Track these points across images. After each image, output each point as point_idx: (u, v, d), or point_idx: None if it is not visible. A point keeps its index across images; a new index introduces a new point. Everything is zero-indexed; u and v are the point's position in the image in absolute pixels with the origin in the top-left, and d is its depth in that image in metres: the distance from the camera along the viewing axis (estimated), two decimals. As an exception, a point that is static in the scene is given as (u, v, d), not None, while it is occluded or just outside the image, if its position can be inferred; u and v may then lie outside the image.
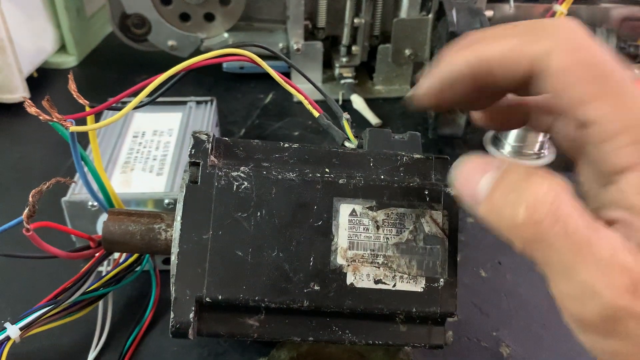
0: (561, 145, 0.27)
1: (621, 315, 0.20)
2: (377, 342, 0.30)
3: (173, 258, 0.28)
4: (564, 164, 0.51)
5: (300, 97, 0.35)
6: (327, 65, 0.67)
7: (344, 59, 0.65)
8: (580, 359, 0.37)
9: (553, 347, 0.37)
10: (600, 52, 0.21)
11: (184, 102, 0.50)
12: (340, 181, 0.30)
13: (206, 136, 0.29)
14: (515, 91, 0.25)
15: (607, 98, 0.21)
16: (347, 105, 0.62)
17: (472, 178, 0.23)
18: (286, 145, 0.31)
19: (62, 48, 0.70)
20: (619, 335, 0.20)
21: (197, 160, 0.29)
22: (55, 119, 0.30)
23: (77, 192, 0.40)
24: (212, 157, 0.29)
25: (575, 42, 0.21)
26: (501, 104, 0.28)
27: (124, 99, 0.32)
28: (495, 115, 0.29)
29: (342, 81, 0.64)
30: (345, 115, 0.35)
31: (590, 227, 0.20)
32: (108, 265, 0.40)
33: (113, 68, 0.70)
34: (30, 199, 0.29)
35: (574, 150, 0.25)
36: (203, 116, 0.49)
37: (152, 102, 0.34)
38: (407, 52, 0.61)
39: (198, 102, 0.51)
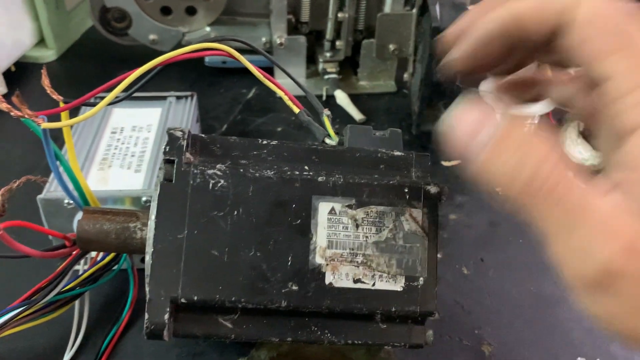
0: (581, 119, 0.27)
1: (616, 274, 0.20)
2: (356, 341, 0.30)
3: (147, 258, 0.28)
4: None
5: (281, 93, 0.34)
6: (311, 60, 0.66)
7: (328, 54, 0.64)
8: (563, 357, 0.37)
9: (535, 344, 0.37)
10: (627, 9, 0.21)
11: (164, 98, 0.49)
12: (319, 179, 0.29)
13: (181, 133, 0.29)
14: (544, 49, 0.24)
15: (624, 54, 0.20)
16: (330, 100, 0.62)
17: (471, 127, 0.22)
18: (264, 142, 0.31)
19: (41, 42, 0.69)
20: (614, 295, 0.20)
21: (172, 158, 0.28)
22: (26, 115, 0.29)
23: (52, 189, 0.39)
24: (188, 155, 0.29)
25: None
26: (524, 75, 0.27)
27: (100, 94, 0.31)
28: (514, 87, 0.28)
29: (326, 76, 0.64)
30: (326, 112, 0.34)
31: (589, 189, 0.20)
32: (85, 264, 0.39)
33: (93, 62, 0.69)
34: (0, 197, 0.28)
35: (592, 121, 0.25)
36: (183, 112, 0.49)
37: (128, 97, 0.34)
38: (392, 47, 0.61)
39: (178, 97, 0.50)
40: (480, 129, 0.22)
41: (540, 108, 0.37)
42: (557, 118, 0.58)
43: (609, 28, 0.20)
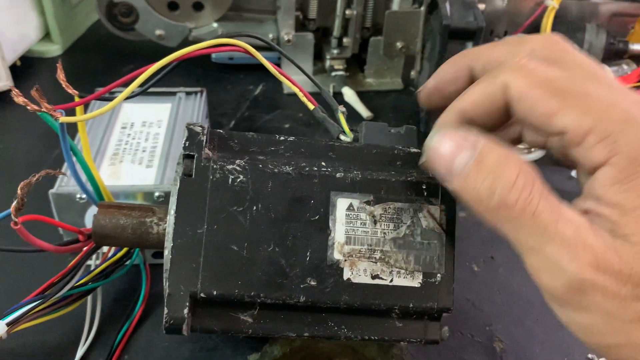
0: (557, 158, 0.28)
1: (586, 287, 0.22)
2: (372, 337, 0.30)
3: (166, 253, 0.28)
4: (553, 159, 0.51)
5: (295, 89, 0.34)
6: (318, 57, 0.66)
7: (335, 51, 0.64)
8: (573, 353, 0.37)
9: (546, 341, 0.37)
10: (554, 71, 0.23)
11: (174, 93, 0.49)
12: (337, 175, 0.29)
13: (200, 128, 0.29)
14: (502, 122, 0.27)
15: (570, 107, 0.23)
16: (337, 98, 0.62)
17: (449, 153, 0.24)
18: (282, 138, 0.31)
19: (47, 36, 0.69)
20: (586, 308, 0.22)
21: (192, 153, 0.28)
22: (44, 109, 0.29)
23: (64, 184, 0.39)
24: (207, 150, 0.29)
25: (530, 68, 0.24)
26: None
27: (114, 90, 0.31)
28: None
29: (333, 73, 0.64)
30: (341, 108, 0.34)
31: (556, 210, 0.22)
32: (97, 259, 0.39)
33: (99, 57, 0.68)
34: (19, 191, 0.28)
35: (566, 159, 0.27)
36: (193, 107, 0.49)
37: (143, 92, 0.33)
38: (399, 44, 0.61)
39: (188, 93, 0.50)
40: (458, 153, 0.24)
41: (533, 156, 0.37)
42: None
43: (546, 93, 0.23)
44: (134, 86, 0.31)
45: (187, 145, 0.28)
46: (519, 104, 0.24)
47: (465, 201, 0.24)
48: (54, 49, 0.68)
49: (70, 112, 0.31)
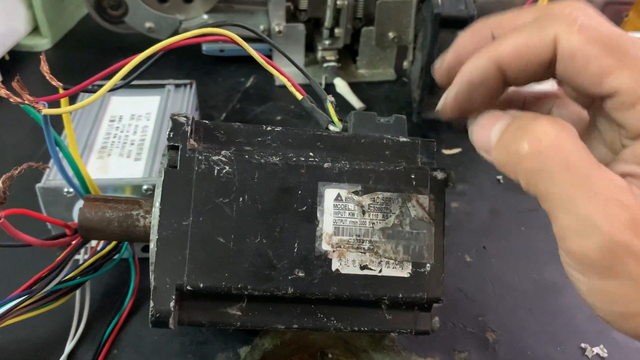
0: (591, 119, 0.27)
1: (621, 251, 0.20)
2: (362, 328, 0.29)
3: (152, 245, 0.27)
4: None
5: (283, 79, 0.34)
6: (310, 48, 0.65)
7: (327, 42, 0.63)
8: (567, 342, 0.37)
9: (539, 331, 0.37)
10: (610, 28, 0.22)
11: (162, 86, 0.49)
12: (325, 165, 0.29)
13: (185, 119, 0.28)
14: (536, 79, 0.25)
15: (626, 69, 0.21)
16: (330, 89, 0.61)
17: (486, 127, 0.25)
18: (269, 128, 0.30)
19: (35, 30, 0.68)
20: (617, 275, 0.21)
21: (176, 144, 0.28)
22: (26, 101, 0.29)
23: (52, 178, 0.39)
24: (192, 141, 0.28)
25: (584, 22, 0.22)
26: (501, 99, 0.28)
27: (99, 82, 0.30)
28: (527, 104, 0.29)
29: (325, 65, 0.63)
30: (330, 98, 0.34)
31: (593, 165, 0.21)
32: (85, 253, 0.38)
33: (89, 51, 0.68)
34: (1, 184, 0.27)
35: (591, 128, 0.26)
36: (182, 100, 0.48)
37: (128, 83, 0.33)
38: (391, 34, 0.60)
39: (177, 86, 0.50)
40: (495, 122, 0.24)
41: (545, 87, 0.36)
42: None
43: (603, 50, 0.22)
44: (118, 77, 0.31)
45: (171, 136, 0.28)
46: (570, 61, 0.22)
47: (504, 169, 0.23)
48: (43, 43, 0.68)
49: (56, 105, 0.30)
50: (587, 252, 0.21)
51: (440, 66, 0.27)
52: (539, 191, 0.22)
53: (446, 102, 0.26)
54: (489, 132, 0.24)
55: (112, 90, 0.31)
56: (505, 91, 0.26)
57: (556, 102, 0.28)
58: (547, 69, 0.23)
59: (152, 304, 0.27)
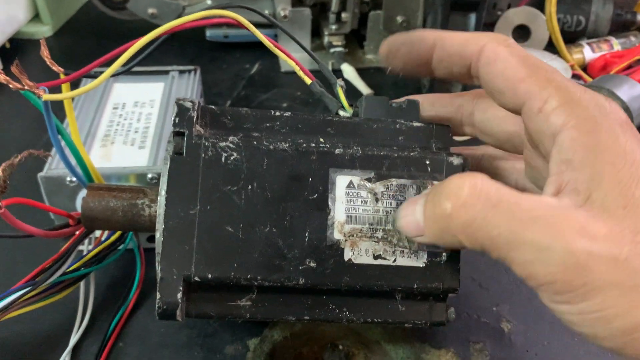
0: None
1: (584, 261, 0.20)
2: (376, 320, 0.29)
3: (158, 235, 0.26)
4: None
5: (292, 63, 0.33)
6: (316, 33, 0.64)
7: (334, 27, 0.62)
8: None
9: (555, 321, 0.35)
10: (526, 51, 0.26)
11: (166, 72, 0.48)
12: (337, 151, 0.28)
13: (191, 104, 0.27)
14: (453, 72, 0.28)
15: (535, 78, 0.24)
16: (337, 75, 0.60)
17: (408, 213, 0.26)
18: (277, 113, 0.29)
19: (36, 17, 0.67)
20: (593, 290, 0.20)
21: (182, 130, 0.27)
22: (26, 87, 0.28)
23: (54, 167, 0.38)
24: (198, 127, 0.27)
25: (508, 41, 0.26)
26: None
27: (101, 68, 0.29)
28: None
29: (332, 50, 0.62)
30: (340, 82, 0.33)
31: (514, 194, 0.22)
32: (89, 243, 0.37)
33: (90, 38, 0.67)
34: (1, 173, 0.26)
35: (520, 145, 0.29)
36: (187, 86, 0.47)
37: (131, 68, 0.32)
38: (399, 19, 0.59)
39: (181, 72, 0.48)
40: (413, 208, 0.26)
41: None
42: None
43: (521, 60, 0.25)
44: (120, 62, 0.30)
45: (176, 121, 0.27)
46: (492, 64, 0.25)
47: (439, 238, 0.24)
48: (44, 30, 0.67)
49: (57, 91, 0.29)
50: (554, 277, 0.21)
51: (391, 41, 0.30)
52: (483, 241, 0.22)
53: (386, 42, 0.30)
54: (413, 217, 0.26)
55: (114, 75, 0.30)
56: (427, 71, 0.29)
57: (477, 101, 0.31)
58: (467, 70, 0.27)
59: (158, 295, 0.26)
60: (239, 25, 0.32)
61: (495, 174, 0.24)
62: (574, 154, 0.22)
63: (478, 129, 0.31)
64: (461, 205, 0.22)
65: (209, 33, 0.63)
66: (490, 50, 0.26)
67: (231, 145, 0.27)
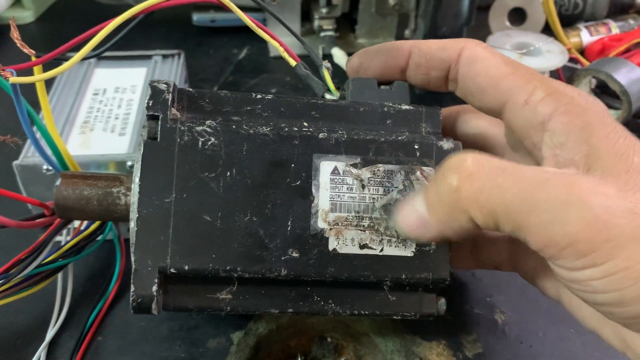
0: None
1: (603, 215, 0.19)
2: (363, 312, 0.27)
3: (132, 225, 0.25)
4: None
5: (276, 44, 0.31)
6: (306, 17, 0.62)
7: (324, 10, 0.60)
8: (579, 325, 0.34)
9: (550, 312, 0.35)
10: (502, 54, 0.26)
11: (149, 57, 0.46)
12: (321, 136, 0.26)
13: (165, 85, 0.26)
14: (438, 83, 0.28)
15: (519, 73, 0.25)
16: (327, 60, 0.58)
17: (410, 212, 0.24)
18: (259, 96, 0.28)
19: (18, 2, 0.65)
20: (617, 244, 0.19)
21: (156, 113, 0.25)
22: (-10, 69, 0.26)
23: (30, 155, 0.36)
24: (174, 110, 0.26)
25: (485, 44, 0.27)
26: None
27: (74, 51, 0.28)
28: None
29: (322, 34, 0.60)
30: (325, 64, 0.32)
31: (516, 164, 0.21)
32: (68, 234, 0.36)
33: (74, 24, 0.64)
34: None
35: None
36: (170, 71, 0.45)
37: (106, 50, 0.30)
38: (392, 1, 0.57)
39: (164, 56, 0.47)
40: (414, 200, 0.24)
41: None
42: (568, 76, 0.54)
43: (502, 59, 0.25)
44: (93, 43, 0.28)
45: (150, 104, 0.25)
46: (473, 63, 0.26)
47: (450, 221, 0.23)
48: (25, 16, 0.65)
49: (29, 74, 0.28)
50: (576, 236, 0.19)
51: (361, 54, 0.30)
52: (496, 209, 0.21)
53: (357, 54, 0.30)
54: (414, 211, 0.24)
55: (88, 57, 0.29)
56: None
57: (459, 117, 0.31)
58: (445, 74, 0.27)
59: (132, 288, 0.25)
60: (221, 5, 0.30)
61: None
62: (567, 136, 0.22)
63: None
64: (468, 175, 0.21)
65: (195, 17, 0.62)
66: (470, 50, 0.26)
67: (208, 129, 0.26)
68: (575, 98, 0.23)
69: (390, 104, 0.28)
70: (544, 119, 0.23)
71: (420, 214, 0.24)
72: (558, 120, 0.23)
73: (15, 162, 0.35)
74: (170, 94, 0.26)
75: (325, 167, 0.26)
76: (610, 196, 0.20)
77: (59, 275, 0.34)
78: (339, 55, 0.57)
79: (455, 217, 0.22)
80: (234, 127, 0.26)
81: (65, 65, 0.28)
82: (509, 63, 0.25)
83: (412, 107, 0.28)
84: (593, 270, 0.20)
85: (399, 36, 0.62)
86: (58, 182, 0.30)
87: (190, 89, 0.27)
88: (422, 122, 0.28)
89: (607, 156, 0.21)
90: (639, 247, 0.19)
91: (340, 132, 0.27)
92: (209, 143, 0.25)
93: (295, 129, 0.26)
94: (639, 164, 0.21)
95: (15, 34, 0.28)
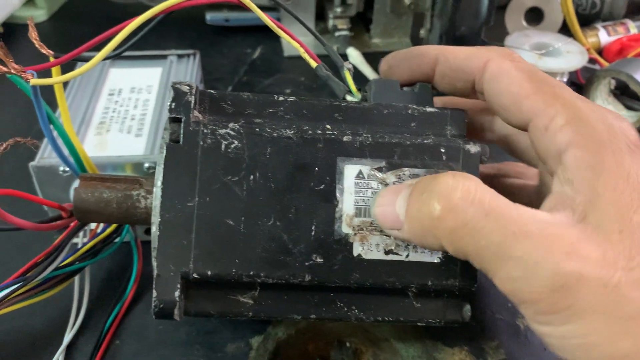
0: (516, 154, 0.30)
1: (571, 283, 0.19)
2: (387, 318, 0.27)
3: (154, 229, 0.25)
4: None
5: (296, 45, 0.31)
6: (320, 16, 0.62)
7: (339, 10, 0.60)
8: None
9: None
10: (532, 65, 0.25)
11: (164, 56, 0.46)
12: (345, 139, 0.26)
13: (188, 87, 0.25)
14: (466, 93, 0.28)
15: (542, 93, 0.23)
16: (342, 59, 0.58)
17: (388, 203, 0.24)
18: (281, 98, 0.27)
19: (30, 1, 0.65)
20: (577, 313, 0.19)
21: (179, 116, 0.25)
22: (12, 71, 0.26)
23: (46, 156, 0.36)
24: (196, 112, 0.25)
25: (512, 55, 0.26)
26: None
27: (92, 52, 0.28)
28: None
29: (337, 34, 0.60)
30: (347, 65, 0.31)
31: (510, 205, 0.21)
32: (84, 236, 0.36)
33: (87, 23, 0.64)
34: (-17, 162, 0.25)
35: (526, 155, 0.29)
36: (185, 71, 0.45)
37: (125, 50, 0.30)
38: (407, 1, 0.57)
39: (180, 56, 0.46)
40: (395, 199, 0.24)
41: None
42: (586, 76, 0.54)
43: (527, 75, 0.24)
44: (114, 43, 0.28)
45: (173, 107, 0.25)
46: (496, 80, 0.25)
47: (420, 243, 0.23)
48: (38, 15, 0.65)
49: (47, 75, 0.27)
50: (539, 296, 0.19)
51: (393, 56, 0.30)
52: (468, 250, 0.21)
53: (386, 59, 0.30)
54: (393, 208, 0.24)
55: (107, 58, 0.28)
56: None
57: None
58: (471, 85, 0.27)
59: (154, 293, 0.24)
60: (240, 5, 0.30)
61: (507, 192, 0.22)
62: (576, 173, 0.21)
63: (497, 136, 0.30)
64: (451, 208, 0.21)
65: (209, 17, 0.61)
66: (494, 65, 0.25)
67: (232, 132, 0.25)
68: (597, 128, 0.22)
69: (414, 107, 0.28)
70: (561, 149, 0.22)
71: (396, 214, 0.24)
72: (571, 154, 0.22)
73: (31, 164, 0.35)
74: (193, 96, 0.25)
75: (350, 171, 0.26)
76: (588, 262, 0.19)
77: (76, 278, 0.33)
78: (353, 55, 0.56)
79: (427, 239, 0.22)
80: (257, 130, 0.25)
81: (87, 65, 0.27)
82: (533, 79, 0.24)
83: (437, 110, 0.28)
84: (551, 328, 0.20)
85: (414, 36, 0.61)
86: (76, 185, 0.29)
87: (212, 91, 0.27)
88: (447, 124, 0.28)
89: (606, 208, 0.20)
90: (598, 319, 0.19)
91: (364, 135, 0.26)
92: (232, 146, 0.25)
93: (319, 131, 0.26)
94: (637, 224, 0.20)
95: (33, 34, 0.28)
